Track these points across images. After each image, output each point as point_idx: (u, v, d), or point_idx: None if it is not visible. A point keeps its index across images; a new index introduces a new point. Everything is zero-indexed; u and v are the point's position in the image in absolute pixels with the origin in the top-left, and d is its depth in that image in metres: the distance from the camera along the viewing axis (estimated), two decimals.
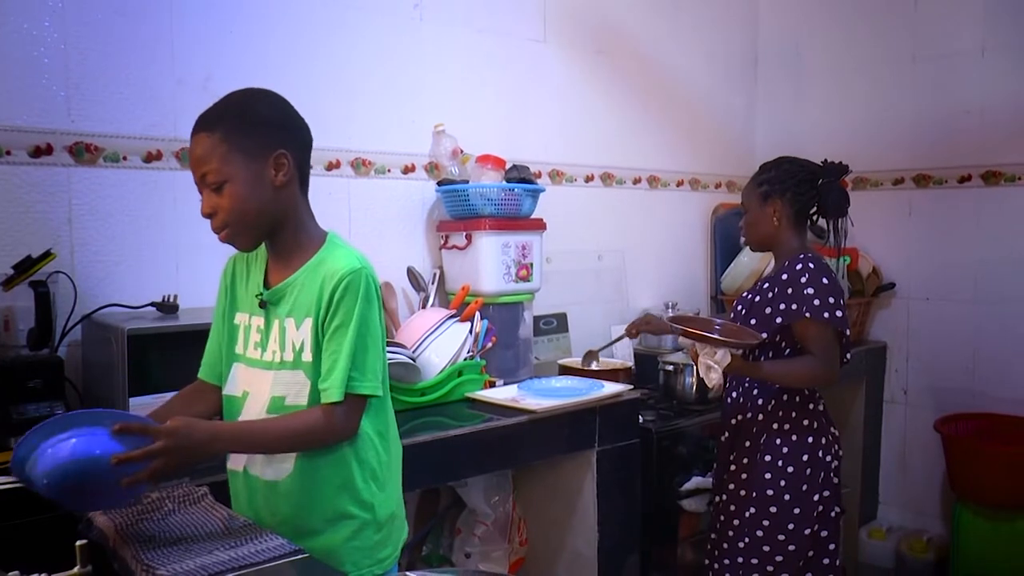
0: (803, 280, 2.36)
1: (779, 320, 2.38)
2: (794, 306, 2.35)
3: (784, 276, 2.41)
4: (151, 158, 2.35)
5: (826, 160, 2.52)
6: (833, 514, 2.45)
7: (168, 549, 1.39)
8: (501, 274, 2.82)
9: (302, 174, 1.61)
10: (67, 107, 2.22)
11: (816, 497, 2.40)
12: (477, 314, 2.67)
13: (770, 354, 2.44)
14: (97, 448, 1.37)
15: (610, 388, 2.62)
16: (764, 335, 2.38)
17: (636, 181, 3.73)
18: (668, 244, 3.87)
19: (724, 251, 3.96)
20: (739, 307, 2.54)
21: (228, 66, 2.17)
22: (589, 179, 3.55)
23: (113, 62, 2.28)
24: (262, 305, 1.61)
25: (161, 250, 2.36)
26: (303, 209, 1.63)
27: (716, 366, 2.26)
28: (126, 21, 2.29)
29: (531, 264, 2.90)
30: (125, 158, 2.31)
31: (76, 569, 1.20)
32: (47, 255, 2.02)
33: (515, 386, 2.64)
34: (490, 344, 2.66)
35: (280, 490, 1.57)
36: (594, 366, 2.91)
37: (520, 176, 2.92)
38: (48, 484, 1.35)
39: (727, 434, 2.54)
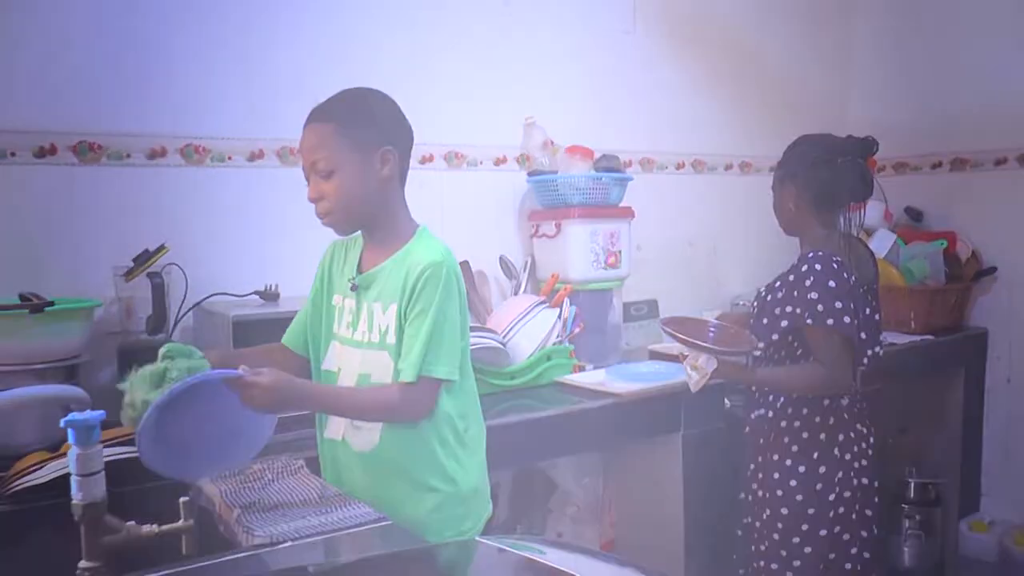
0: (807, 283, 2.18)
1: (784, 323, 2.24)
2: (798, 310, 2.20)
3: (792, 276, 2.25)
4: (254, 157, 2.48)
5: (850, 136, 2.32)
6: (856, 516, 2.28)
7: (266, 514, 1.51)
8: (590, 261, 2.86)
9: (403, 170, 1.72)
10: (177, 112, 2.37)
11: (832, 497, 2.25)
12: (566, 300, 2.72)
13: (782, 354, 2.30)
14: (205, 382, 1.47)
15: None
16: (775, 336, 2.26)
17: (728, 167, 3.72)
18: (760, 230, 3.75)
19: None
20: (754, 305, 2.43)
21: (322, 71, 2.29)
22: (680, 167, 3.55)
23: (215, 68, 2.43)
24: (353, 288, 1.72)
25: (263, 243, 2.48)
26: (400, 203, 1.74)
27: (695, 373, 2.17)
28: (222, 32, 2.44)
29: (620, 251, 2.94)
30: (230, 157, 2.45)
31: (180, 523, 1.33)
32: (161, 248, 2.16)
33: (603, 371, 2.69)
34: (578, 329, 2.72)
35: (369, 460, 1.69)
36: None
37: (608, 165, 2.97)
38: (154, 416, 1.41)
39: (748, 428, 2.44)
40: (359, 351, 1.70)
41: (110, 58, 2.28)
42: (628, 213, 2.99)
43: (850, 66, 4.23)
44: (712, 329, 2.35)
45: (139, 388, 1.45)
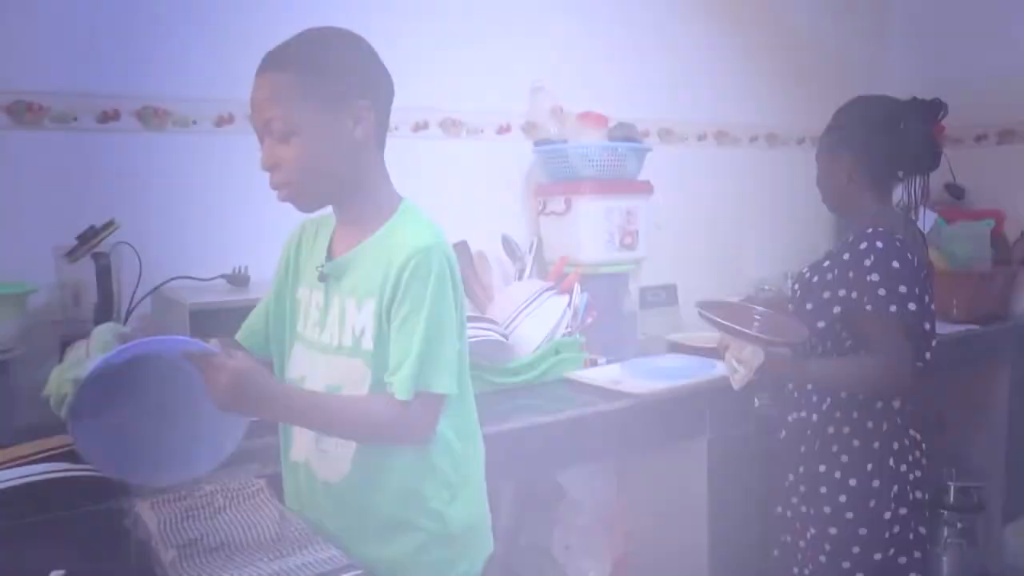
0: (867, 263, 1.91)
1: (837, 309, 1.97)
2: (854, 294, 1.93)
3: (846, 255, 1.97)
4: (223, 122, 2.24)
5: (914, 98, 2.05)
6: (912, 536, 2.01)
7: (208, 557, 1.24)
8: (603, 242, 2.61)
9: (380, 131, 1.41)
10: (133, 70, 2.11)
11: (888, 515, 1.98)
12: (577, 286, 2.46)
13: (829, 345, 2.03)
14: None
15: (723, 368, 2.35)
16: (821, 324, 1.99)
17: (753, 140, 3.47)
18: (787, 208, 3.54)
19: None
20: (796, 287, 2.14)
21: (300, 21, 2.02)
22: (701, 138, 3.31)
23: (177, 21, 2.16)
24: (322, 279, 1.41)
25: (232, 220, 2.24)
26: (377, 171, 1.42)
27: (742, 367, 1.93)
28: None
29: (636, 231, 2.68)
30: (195, 122, 2.20)
31: None
32: (109, 224, 1.90)
33: (618, 365, 2.42)
34: (590, 319, 2.44)
35: (335, 492, 1.38)
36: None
37: (624, 135, 2.71)
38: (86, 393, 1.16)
39: (784, 432, 2.16)
40: (327, 357, 1.39)
41: (52, 4, 2.02)
42: (646, 188, 2.74)
43: (885, 32, 3.94)
44: (758, 316, 2.07)
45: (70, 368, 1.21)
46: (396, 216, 1.39)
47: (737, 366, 1.92)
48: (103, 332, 1.32)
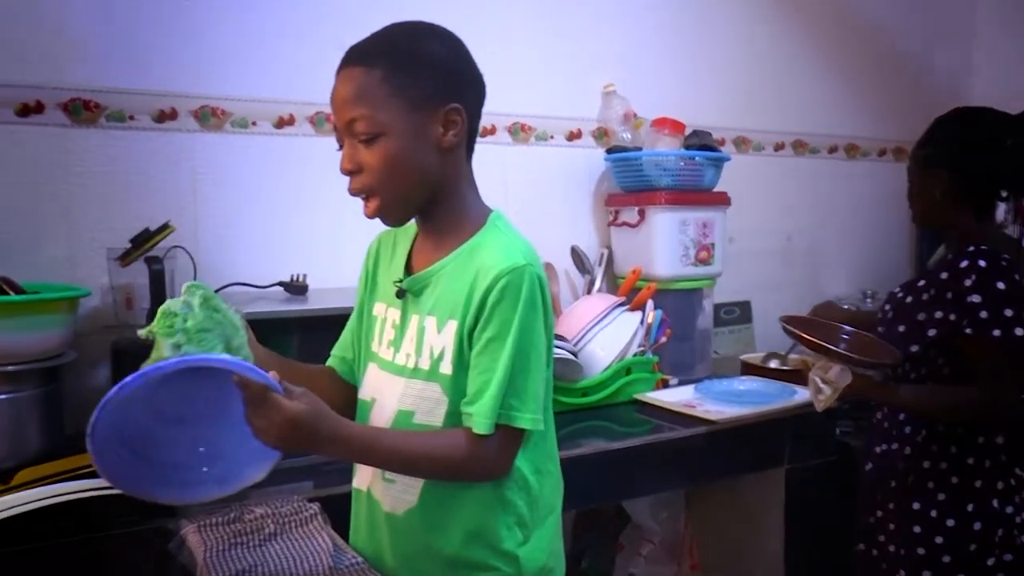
0: (967, 283, 1.77)
1: (932, 332, 1.82)
2: (953, 316, 1.78)
3: (944, 274, 1.82)
4: (283, 123, 2.16)
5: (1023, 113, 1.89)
6: None
7: None
8: (678, 256, 2.49)
9: (471, 137, 1.29)
10: (194, 69, 2.05)
11: (991, 562, 1.81)
12: (650, 302, 2.34)
13: (923, 372, 1.87)
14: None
15: (803, 395, 2.22)
16: (914, 348, 1.84)
17: (832, 150, 3.31)
18: (867, 222, 3.40)
19: (933, 231, 3.43)
20: (887, 308, 1.98)
21: (367, 23, 1.94)
22: (779, 147, 3.16)
23: (240, 20, 2.10)
24: (399, 295, 1.30)
25: (291, 225, 2.17)
26: (466, 180, 1.31)
27: (827, 387, 1.79)
28: None
29: (712, 244, 2.56)
30: (254, 123, 2.13)
31: None
32: (165, 228, 1.82)
33: (691, 387, 2.29)
34: (664, 338, 2.31)
35: (400, 526, 1.27)
36: (772, 364, 2.52)
37: (701, 143, 2.58)
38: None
39: (870, 464, 2.00)
40: (400, 379, 1.28)
41: (110, 2, 1.96)
42: (723, 200, 2.61)
43: (973, 39, 3.74)
44: (846, 335, 1.94)
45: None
46: (484, 230, 1.27)
47: (822, 386, 1.79)
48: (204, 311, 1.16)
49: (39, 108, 1.90)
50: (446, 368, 1.23)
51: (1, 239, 1.88)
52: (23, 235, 1.90)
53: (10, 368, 1.63)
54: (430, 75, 1.21)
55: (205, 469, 1.17)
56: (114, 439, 1.07)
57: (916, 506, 1.86)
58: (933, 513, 1.84)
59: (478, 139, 1.31)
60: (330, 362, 1.44)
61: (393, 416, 1.27)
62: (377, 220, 1.27)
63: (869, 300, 2.99)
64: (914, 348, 1.85)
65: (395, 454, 1.21)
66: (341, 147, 1.23)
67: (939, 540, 1.83)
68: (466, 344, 1.21)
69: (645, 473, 1.99)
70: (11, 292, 1.70)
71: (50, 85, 1.91)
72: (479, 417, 1.17)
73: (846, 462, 2.24)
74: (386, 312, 1.33)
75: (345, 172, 1.23)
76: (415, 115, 1.20)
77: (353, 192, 1.24)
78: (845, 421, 2.40)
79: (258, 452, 1.13)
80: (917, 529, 1.85)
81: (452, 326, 1.22)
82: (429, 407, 1.24)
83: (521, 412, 1.19)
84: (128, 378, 1.01)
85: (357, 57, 1.22)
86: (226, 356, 1.08)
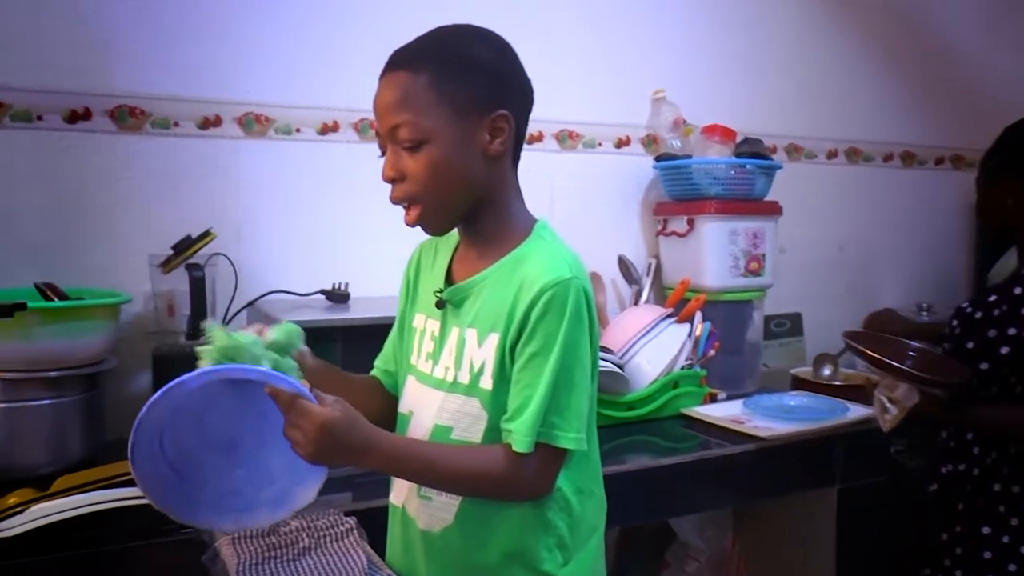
0: None
1: (1005, 350, 1.75)
2: None
3: (1018, 289, 1.77)
4: (326, 130, 2.14)
5: None
6: None
7: None
8: (727, 266, 2.43)
9: (517, 145, 1.25)
10: (238, 76, 2.04)
11: None
12: (698, 313, 2.28)
13: (993, 391, 1.80)
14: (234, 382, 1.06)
15: (856, 411, 2.15)
16: (984, 366, 1.77)
17: (887, 158, 3.21)
18: (923, 233, 3.30)
19: (993, 242, 3.31)
20: (954, 324, 1.90)
21: (412, 28, 1.92)
22: (832, 155, 3.07)
23: (284, 29, 2.09)
24: (439, 305, 1.27)
25: (335, 232, 2.15)
26: (512, 189, 1.27)
27: (894, 407, 1.71)
28: None
29: (763, 255, 2.49)
30: (298, 130, 2.12)
31: None
32: (206, 235, 1.81)
33: (740, 402, 2.23)
34: (712, 351, 2.25)
35: (436, 544, 1.24)
36: (826, 372, 2.45)
37: (753, 150, 2.51)
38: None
39: (936, 485, 1.93)
40: (439, 393, 1.24)
41: (156, 11, 1.97)
42: (775, 209, 2.54)
43: None
44: (912, 352, 1.87)
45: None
46: (529, 240, 1.23)
47: (889, 406, 1.72)
48: (289, 330, 1.16)
49: (87, 115, 1.91)
50: (486, 383, 1.19)
51: (46, 244, 1.89)
52: (68, 241, 1.90)
53: (52, 374, 1.63)
54: (477, 80, 1.17)
55: (259, 493, 1.15)
56: (162, 466, 1.07)
57: (986, 531, 1.79)
58: (1005, 539, 1.77)
59: (526, 146, 1.28)
60: (373, 373, 1.41)
61: (430, 431, 1.23)
62: (419, 228, 1.24)
63: (925, 313, 2.90)
64: (984, 366, 1.78)
65: (431, 468, 1.17)
66: (383, 154, 1.20)
67: (1012, 568, 1.76)
68: (508, 359, 1.17)
69: (691, 490, 1.93)
70: (54, 298, 1.70)
71: (98, 92, 1.92)
72: (518, 435, 1.13)
73: (902, 482, 2.17)
74: (425, 323, 1.30)
75: (387, 180, 1.19)
76: (461, 122, 1.16)
77: (395, 200, 1.20)
78: (900, 439, 2.32)
79: (306, 471, 1.10)
80: (987, 555, 1.78)
81: (493, 339, 1.18)
82: (468, 423, 1.20)
83: (563, 431, 1.14)
84: (154, 395, 1.00)
85: (402, 61, 1.18)
86: (250, 366, 1.05)
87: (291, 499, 1.13)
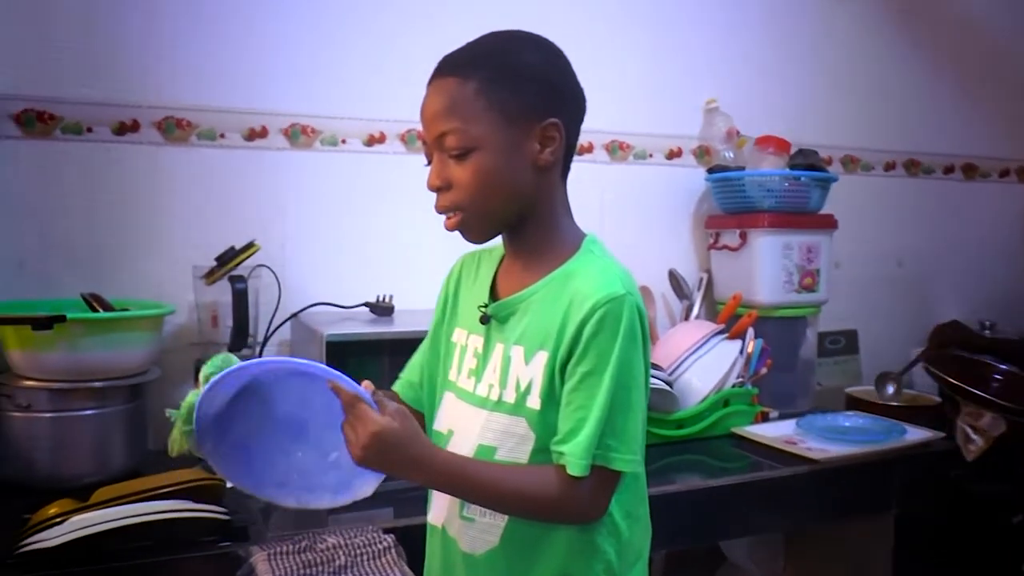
0: None
1: None
2: None
3: None
4: (373, 141, 2.13)
5: None
6: None
7: None
8: (781, 281, 2.38)
9: (568, 155, 1.21)
10: (283, 88, 2.04)
11: None
12: (750, 330, 2.23)
13: None
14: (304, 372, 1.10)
15: (914, 434, 2.07)
16: None
17: (948, 170, 3.12)
18: (986, 248, 3.20)
19: None
20: None
21: (460, 37, 1.90)
22: (889, 167, 2.99)
23: (330, 41, 2.09)
24: (484, 320, 1.23)
25: (380, 245, 2.14)
26: (561, 201, 1.23)
27: (979, 437, 1.63)
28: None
29: (817, 270, 2.43)
30: (344, 141, 2.11)
31: None
32: (249, 246, 1.81)
33: (792, 421, 2.17)
34: (764, 369, 2.20)
35: (479, 567, 1.20)
36: (890, 391, 2.38)
37: (807, 162, 2.46)
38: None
39: (1020, 517, 1.87)
40: (482, 412, 1.20)
41: (204, 23, 1.98)
42: (830, 223, 2.48)
43: None
44: (998, 376, 1.82)
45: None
46: (579, 255, 1.19)
47: (973, 436, 1.64)
48: (218, 359, 1.18)
49: (135, 126, 1.92)
50: (533, 402, 1.15)
51: (93, 255, 1.90)
52: (114, 251, 1.91)
53: (97, 384, 1.64)
54: (528, 88, 1.13)
55: (323, 477, 1.18)
56: (225, 446, 1.14)
57: None
58: None
59: (576, 157, 1.24)
60: (396, 386, 1.37)
61: (473, 451, 1.19)
62: (459, 235, 1.20)
63: (987, 331, 2.80)
64: None
65: (483, 487, 1.13)
66: (429, 162, 1.17)
67: None
68: (557, 378, 1.13)
69: (741, 512, 1.87)
70: (99, 309, 1.70)
71: (146, 104, 1.93)
72: (572, 457, 1.09)
73: (965, 509, 2.08)
74: (467, 339, 1.26)
75: (432, 188, 1.16)
76: (510, 130, 1.12)
77: (440, 209, 1.17)
78: (962, 464, 2.24)
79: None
80: None
81: (542, 357, 1.14)
82: (513, 443, 1.16)
83: (620, 453, 1.10)
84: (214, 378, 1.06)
85: (450, 67, 1.15)
86: (314, 363, 1.08)
87: (351, 489, 1.16)
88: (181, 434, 1.12)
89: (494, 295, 1.25)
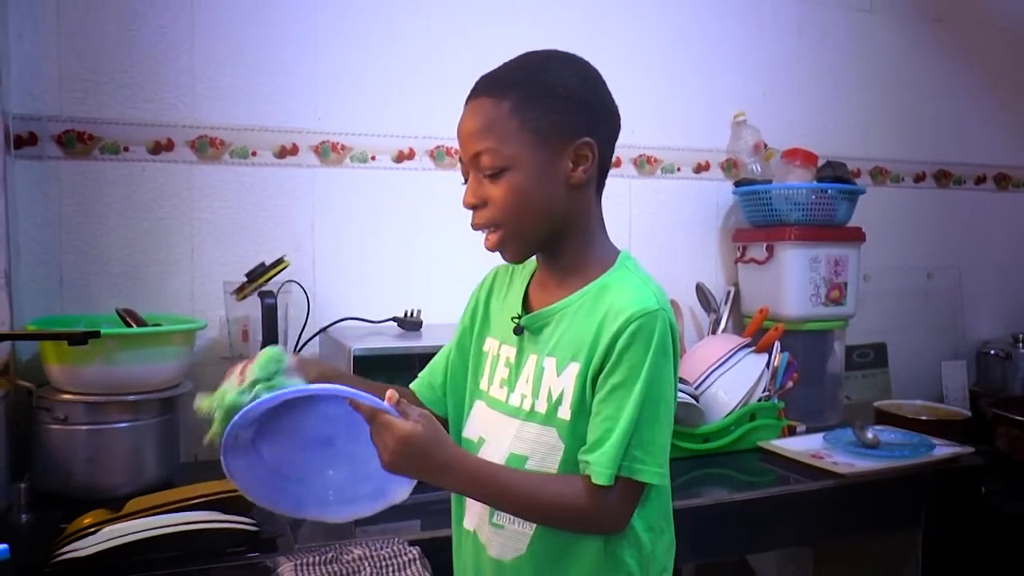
0: None
1: None
2: None
3: None
4: (402, 157, 2.15)
5: None
6: None
7: None
8: (808, 295, 2.37)
9: (602, 173, 1.23)
10: (313, 106, 2.08)
11: None
12: (777, 343, 2.22)
13: None
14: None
15: (942, 449, 2.06)
16: None
17: (979, 181, 3.09)
18: (1018, 259, 3.16)
19: None
20: None
21: (489, 57, 1.91)
22: (919, 178, 2.97)
23: (361, 59, 2.12)
24: (517, 331, 1.25)
25: (409, 260, 2.16)
26: (595, 218, 1.24)
27: None
28: (378, 18, 2.13)
29: (845, 283, 2.43)
30: (373, 158, 2.13)
31: None
32: (279, 262, 1.84)
33: (820, 436, 2.16)
34: (790, 383, 2.19)
35: (506, 572, 1.21)
36: None
37: (835, 174, 2.45)
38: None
39: None
40: (515, 422, 1.21)
41: (236, 43, 2.02)
42: (858, 236, 2.47)
43: None
44: None
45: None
46: (613, 270, 1.21)
47: None
48: (266, 358, 1.16)
49: (169, 146, 1.97)
50: (564, 413, 1.16)
51: (128, 271, 1.94)
52: (149, 268, 1.96)
53: (131, 398, 1.68)
54: (562, 107, 1.15)
55: (358, 488, 1.17)
56: (261, 472, 1.12)
57: None
58: None
59: None
60: (414, 385, 1.39)
61: (504, 459, 1.20)
62: (494, 256, 1.23)
63: (1021, 345, 2.78)
64: None
65: (509, 493, 1.14)
66: (465, 181, 1.19)
67: None
68: (589, 389, 1.14)
69: (768, 527, 1.87)
70: (134, 324, 1.74)
71: (180, 123, 1.97)
72: (598, 467, 1.10)
73: (994, 526, 2.06)
74: (499, 349, 1.27)
75: (468, 206, 1.18)
76: (544, 149, 1.15)
77: (476, 227, 1.19)
78: (995, 481, 2.21)
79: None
80: None
81: (574, 369, 1.16)
82: (544, 452, 1.17)
83: (646, 465, 1.11)
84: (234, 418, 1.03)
85: (486, 87, 1.17)
86: (328, 385, 1.08)
87: (387, 495, 1.16)
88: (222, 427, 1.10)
89: (527, 307, 1.26)
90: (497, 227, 1.18)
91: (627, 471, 1.10)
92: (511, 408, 1.22)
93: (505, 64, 1.20)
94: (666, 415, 1.14)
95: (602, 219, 1.25)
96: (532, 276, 1.29)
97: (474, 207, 1.18)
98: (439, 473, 1.09)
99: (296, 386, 1.06)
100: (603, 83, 1.22)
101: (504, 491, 1.14)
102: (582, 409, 1.15)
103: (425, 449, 1.06)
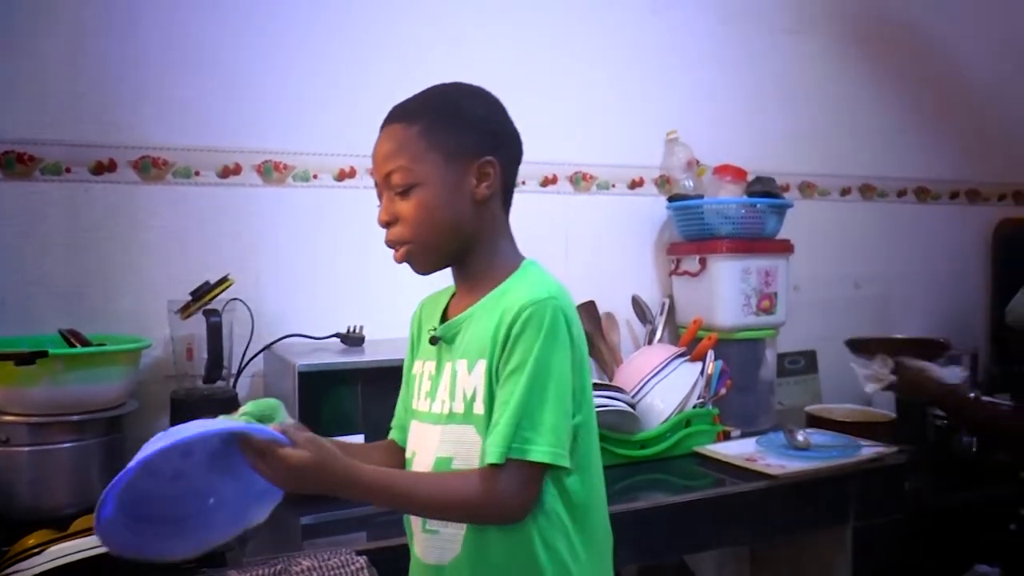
0: None
1: None
2: None
3: None
4: (343, 176, 2.19)
5: None
6: None
7: None
8: (740, 305, 2.44)
9: (506, 191, 1.31)
10: (255, 126, 2.10)
11: None
12: (711, 352, 2.27)
13: None
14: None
15: (869, 449, 2.15)
16: None
17: (901, 194, 3.21)
18: (939, 269, 3.29)
19: (1010, 277, 3.30)
20: None
21: (427, 77, 1.95)
22: (845, 192, 3.08)
23: (301, 77, 2.16)
24: (433, 341, 1.31)
25: (351, 277, 2.19)
26: (501, 231, 1.32)
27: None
28: (321, 40, 2.18)
29: (775, 293, 2.50)
30: (315, 176, 2.17)
31: None
32: (224, 281, 1.85)
33: (753, 440, 2.22)
34: (724, 389, 2.26)
35: None
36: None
37: (764, 189, 2.53)
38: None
39: (1015, 525, 1.92)
40: (438, 427, 1.27)
41: (177, 65, 2.04)
42: (786, 247, 2.55)
43: None
44: None
45: None
46: (515, 275, 1.28)
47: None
48: (265, 402, 1.21)
49: (112, 166, 1.97)
50: (479, 408, 1.22)
51: (73, 292, 1.94)
52: (92, 288, 1.95)
53: (75, 417, 1.66)
54: (466, 130, 1.24)
55: (214, 515, 1.19)
56: (122, 526, 1.11)
57: None
58: None
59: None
60: (392, 434, 1.43)
61: (432, 464, 1.25)
62: (432, 273, 1.30)
63: None
64: None
65: (410, 494, 1.19)
66: (380, 201, 1.26)
67: None
68: (495, 382, 1.20)
69: (705, 528, 1.93)
70: (77, 344, 1.74)
71: (123, 144, 1.98)
72: (491, 447, 1.15)
73: (915, 520, 2.15)
74: (423, 366, 1.33)
75: (382, 224, 1.26)
76: (450, 167, 1.23)
77: (388, 243, 1.26)
78: (916, 478, 2.31)
79: (261, 495, 1.16)
80: None
81: (482, 365, 1.22)
82: (466, 450, 1.22)
83: (536, 445, 1.15)
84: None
85: (398, 115, 1.26)
86: (227, 422, 1.10)
87: (246, 517, 1.18)
88: None
89: (444, 319, 1.33)
90: (406, 242, 1.24)
91: (518, 452, 1.14)
92: (434, 416, 1.28)
93: (415, 95, 1.28)
94: (557, 396, 1.17)
95: (509, 232, 1.33)
96: (451, 295, 1.35)
97: (387, 224, 1.25)
98: (339, 490, 1.13)
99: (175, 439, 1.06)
100: (504, 111, 1.31)
101: (404, 494, 1.19)
102: (492, 401, 1.20)
103: (317, 473, 1.10)
